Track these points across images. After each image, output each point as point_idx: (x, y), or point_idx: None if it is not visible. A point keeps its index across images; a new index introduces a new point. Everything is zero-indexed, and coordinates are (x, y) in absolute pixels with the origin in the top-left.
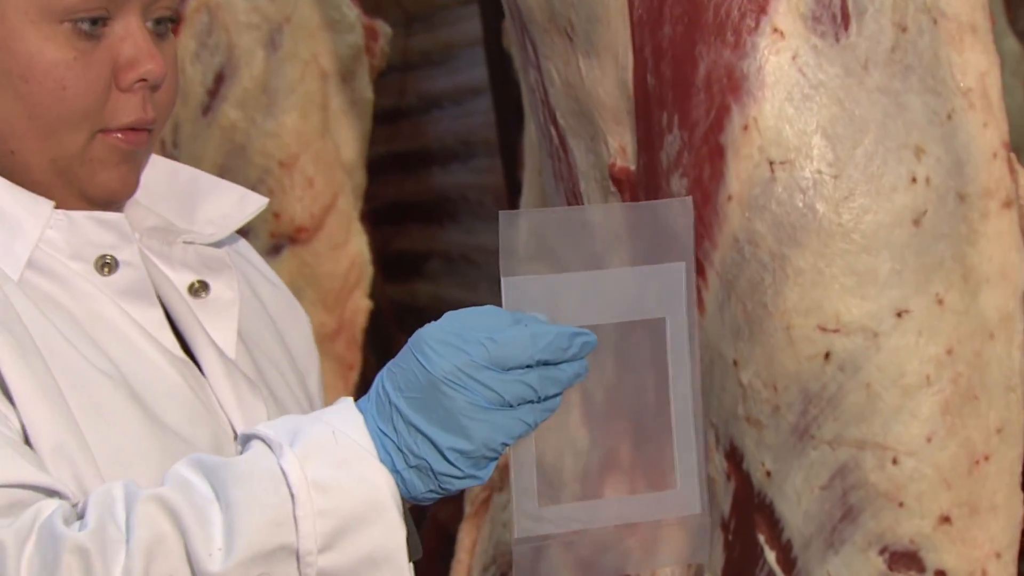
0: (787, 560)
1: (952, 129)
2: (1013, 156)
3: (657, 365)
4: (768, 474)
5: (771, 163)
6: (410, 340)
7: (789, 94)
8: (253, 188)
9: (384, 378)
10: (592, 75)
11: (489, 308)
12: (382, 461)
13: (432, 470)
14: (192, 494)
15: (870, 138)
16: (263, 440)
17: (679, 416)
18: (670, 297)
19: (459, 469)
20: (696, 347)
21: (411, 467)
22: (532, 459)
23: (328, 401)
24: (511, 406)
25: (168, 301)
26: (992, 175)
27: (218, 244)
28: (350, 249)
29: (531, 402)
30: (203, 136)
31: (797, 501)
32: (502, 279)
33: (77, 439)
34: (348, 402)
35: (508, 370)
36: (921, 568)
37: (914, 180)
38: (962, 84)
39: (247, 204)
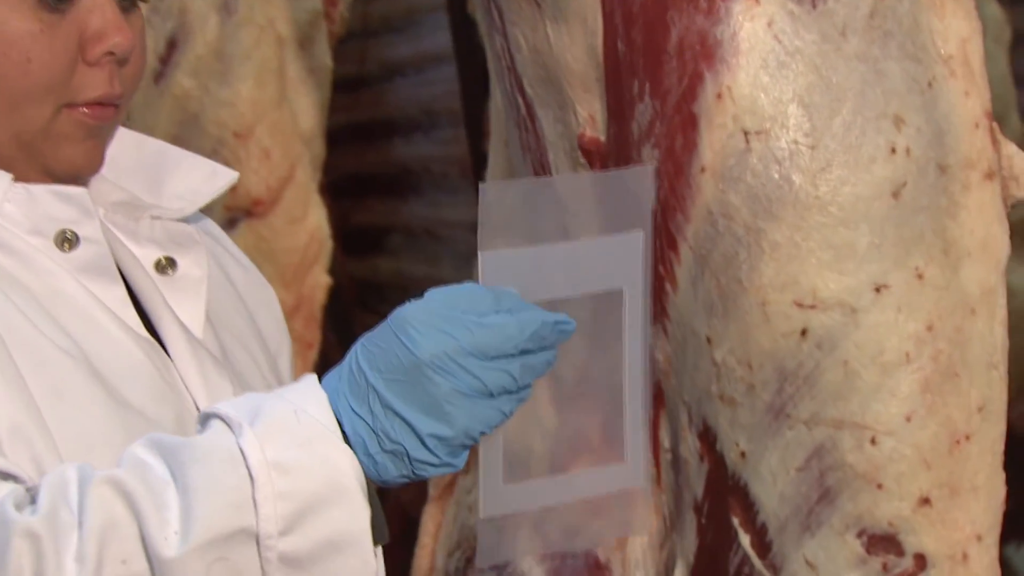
0: (762, 544)
1: (933, 98)
2: (995, 126)
3: (614, 337)
4: (742, 455)
5: (746, 133)
6: (390, 319)
7: (764, 61)
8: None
9: (359, 356)
10: (560, 41)
11: (471, 287)
12: (353, 443)
13: (408, 455)
14: (148, 475)
15: (848, 107)
16: (222, 419)
17: (631, 389)
18: (628, 268)
19: (436, 456)
20: (649, 319)
21: (385, 451)
22: (499, 439)
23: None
24: (492, 395)
25: (133, 278)
26: (974, 145)
27: (187, 221)
28: (308, 223)
29: (510, 391)
30: (155, 105)
31: (772, 483)
32: (480, 253)
33: (36, 421)
34: (311, 379)
35: (493, 358)
36: (900, 551)
37: (893, 151)
38: (943, 51)
39: (217, 178)
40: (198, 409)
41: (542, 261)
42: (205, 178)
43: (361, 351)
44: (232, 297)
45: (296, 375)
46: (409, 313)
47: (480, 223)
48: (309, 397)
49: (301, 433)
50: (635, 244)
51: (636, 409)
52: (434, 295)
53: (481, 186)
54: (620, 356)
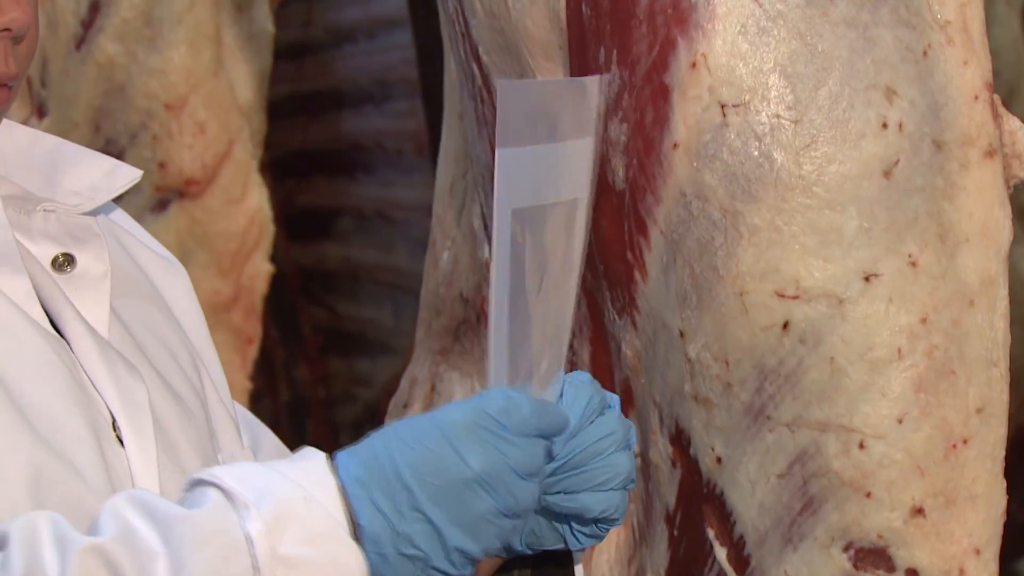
0: (739, 558)
1: (928, 68)
2: (997, 98)
3: (568, 250)
4: (718, 460)
5: (722, 106)
6: (435, 417)
7: (743, 27)
8: (135, 134)
9: (396, 452)
10: (519, 5)
11: (522, 397)
12: (365, 539)
13: (427, 563)
14: (137, 546)
15: (835, 77)
16: (224, 492)
17: (566, 306)
18: (581, 175)
19: (454, 568)
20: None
21: (402, 555)
22: (505, 341)
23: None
24: (519, 515)
25: (31, 276)
26: (973, 120)
27: (91, 213)
28: (248, 205)
29: (531, 509)
30: (76, 74)
31: (751, 491)
32: (497, 150)
33: None
34: (319, 460)
35: (529, 476)
36: (891, 567)
37: (885, 126)
38: (939, 16)
39: (117, 177)
40: (110, 411)
41: (553, 160)
42: (105, 175)
43: (399, 447)
44: (147, 290)
45: (233, 373)
46: (463, 420)
47: (499, 121)
48: (319, 483)
49: (310, 525)
50: (586, 151)
51: (565, 329)
52: (488, 403)
53: (499, 83)
54: (571, 269)
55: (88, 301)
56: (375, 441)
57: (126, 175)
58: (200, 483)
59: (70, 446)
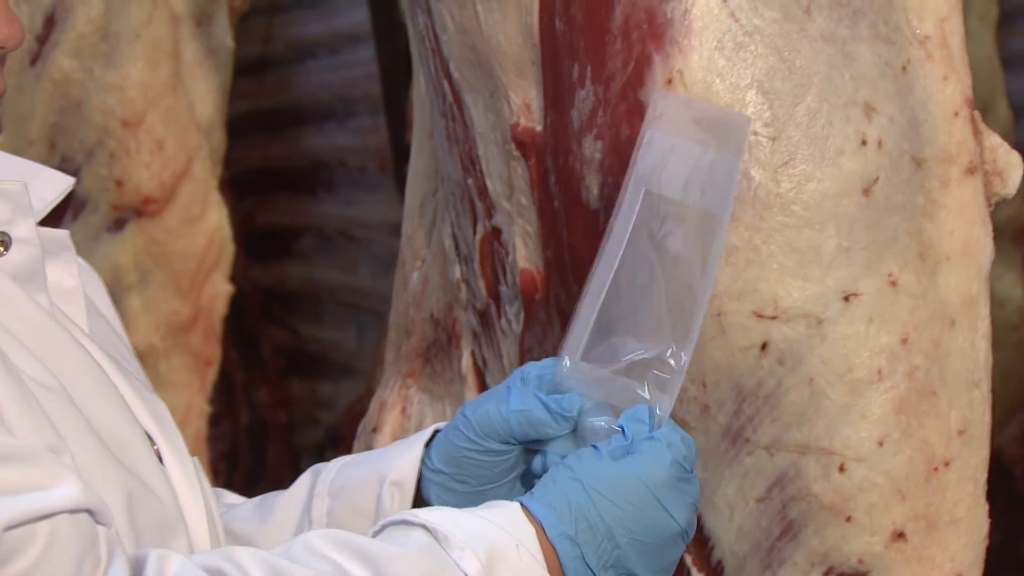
0: None
1: (907, 83)
2: (977, 115)
3: (700, 259)
4: None
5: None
6: (636, 471)
7: (720, 42)
8: (91, 152)
9: (600, 507)
10: (491, 19)
11: (685, 437)
12: None
13: None
14: None
15: (813, 94)
16: (432, 532)
17: (695, 320)
18: (724, 194)
19: None
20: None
21: None
22: (594, 313)
23: (173, 396)
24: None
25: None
26: (953, 137)
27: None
28: (207, 224)
29: None
30: (31, 90)
31: (729, 515)
32: (647, 131)
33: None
34: (515, 507)
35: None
36: None
37: (864, 143)
38: (918, 31)
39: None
40: (141, 426)
41: (692, 161)
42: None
43: (607, 507)
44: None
45: (191, 395)
46: (665, 477)
47: (652, 108)
48: (522, 529)
49: (521, 569)
50: (732, 171)
51: (692, 341)
52: (676, 449)
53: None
54: (704, 281)
55: (71, 312)
56: (571, 494)
57: (61, 183)
58: (400, 523)
59: (141, 468)
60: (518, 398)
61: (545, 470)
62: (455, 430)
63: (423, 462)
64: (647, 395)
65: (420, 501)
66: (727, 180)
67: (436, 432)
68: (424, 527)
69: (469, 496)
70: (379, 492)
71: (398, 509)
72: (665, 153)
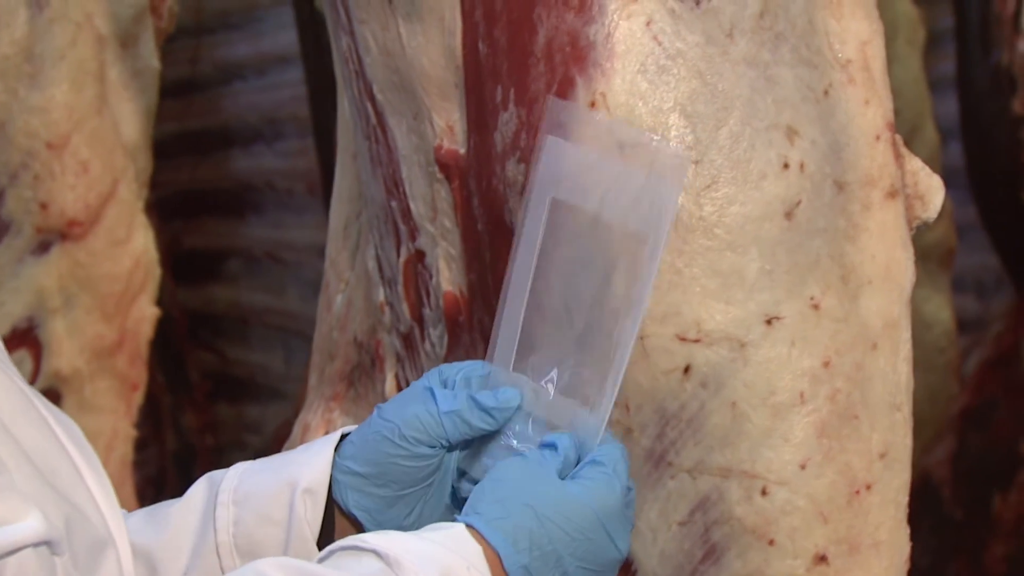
0: None
1: (829, 107)
2: (899, 138)
3: (629, 282)
4: None
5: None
6: (590, 501)
7: (642, 66)
8: (15, 174)
9: (553, 537)
10: (414, 42)
11: (625, 452)
12: None
13: None
14: None
15: (735, 117)
16: (382, 557)
17: (622, 343)
18: (657, 216)
19: None
20: (652, 280)
21: None
22: (518, 325)
23: (99, 421)
24: None
25: None
26: (874, 161)
27: None
28: (133, 246)
29: None
30: None
31: (652, 539)
32: (544, 136)
33: None
34: (461, 528)
35: None
36: None
37: (786, 166)
38: (840, 55)
39: None
40: (64, 446)
41: (593, 168)
42: None
43: (561, 537)
44: None
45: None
46: (615, 506)
47: (549, 111)
48: (472, 551)
49: None
50: (670, 195)
51: (620, 367)
52: (623, 473)
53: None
54: (628, 305)
55: None
56: (525, 521)
57: None
58: (350, 549)
59: (72, 491)
60: (448, 399)
61: (467, 474)
62: (376, 434)
63: (333, 465)
64: (581, 411)
65: (331, 506)
66: (658, 208)
67: (343, 435)
68: (375, 552)
69: (389, 500)
70: (291, 499)
71: (312, 516)
72: (565, 157)
